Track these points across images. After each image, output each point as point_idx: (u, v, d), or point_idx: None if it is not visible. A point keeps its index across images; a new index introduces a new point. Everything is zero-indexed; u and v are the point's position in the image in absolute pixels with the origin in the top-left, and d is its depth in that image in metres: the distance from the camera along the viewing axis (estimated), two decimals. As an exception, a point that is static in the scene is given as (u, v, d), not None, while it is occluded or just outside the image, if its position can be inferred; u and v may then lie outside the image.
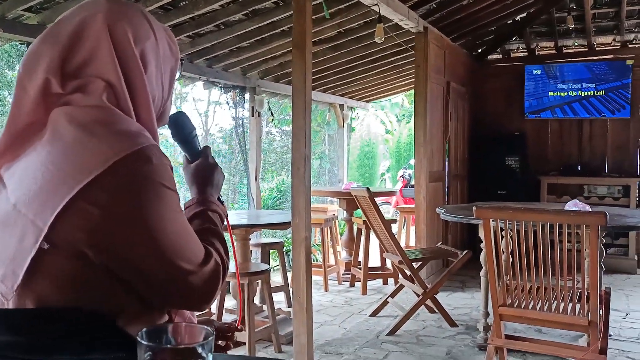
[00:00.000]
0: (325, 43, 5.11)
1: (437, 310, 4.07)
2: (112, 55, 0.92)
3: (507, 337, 2.74)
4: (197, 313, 1.11)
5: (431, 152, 5.13)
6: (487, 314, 3.50)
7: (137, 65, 0.95)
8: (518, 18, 6.21)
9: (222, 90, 5.61)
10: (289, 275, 3.99)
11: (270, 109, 6.50)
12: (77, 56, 0.92)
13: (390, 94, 8.58)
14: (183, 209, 1.09)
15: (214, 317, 3.64)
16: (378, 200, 6.28)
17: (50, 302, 0.84)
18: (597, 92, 6.24)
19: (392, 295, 4.30)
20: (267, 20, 4.25)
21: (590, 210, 3.10)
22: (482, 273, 3.47)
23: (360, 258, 5.17)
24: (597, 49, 6.43)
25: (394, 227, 5.93)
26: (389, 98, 10.78)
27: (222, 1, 3.75)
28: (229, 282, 3.87)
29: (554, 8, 5.91)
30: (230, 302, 4.26)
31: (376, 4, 3.90)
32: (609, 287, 2.91)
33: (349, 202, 5.30)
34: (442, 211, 3.73)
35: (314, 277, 4.34)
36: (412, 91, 5.44)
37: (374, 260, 5.61)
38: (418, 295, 3.99)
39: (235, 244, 4.43)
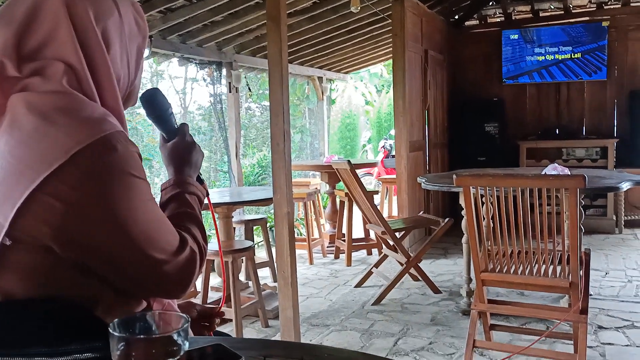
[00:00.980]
0: (300, 14, 5.03)
1: (420, 278, 4.12)
2: (71, 35, 0.87)
3: (490, 301, 2.78)
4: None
5: (411, 122, 5.12)
6: (469, 280, 3.55)
7: (98, 44, 0.90)
8: (494, -18, 6.17)
9: (198, 66, 5.51)
10: (274, 250, 4.00)
11: (248, 84, 6.42)
12: (33, 37, 0.87)
13: (368, 64, 8.52)
14: (160, 190, 1.06)
15: (199, 296, 3.65)
16: (360, 171, 6.29)
17: (18, 297, 0.82)
18: (573, 55, 6.26)
19: (376, 265, 4.34)
20: (240, -7, 4.16)
21: (569, 173, 3.13)
22: (463, 240, 3.51)
23: (344, 230, 5.19)
24: (573, 11, 6.43)
25: (377, 198, 5.96)
26: (368, 68, 10.71)
27: (192, -26, 3.65)
28: (214, 260, 3.86)
29: (529, -29, 5.88)
30: (215, 280, 4.27)
31: (350, -27, 3.83)
32: (589, 249, 2.96)
33: (331, 175, 5.30)
34: (423, 180, 3.74)
35: (298, 251, 4.36)
36: (391, 61, 5.40)
37: (358, 232, 5.64)
38: (402, 264, 4.03)
39: (218, 222, 4.41)
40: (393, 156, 7.72)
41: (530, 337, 3.00)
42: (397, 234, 4.02)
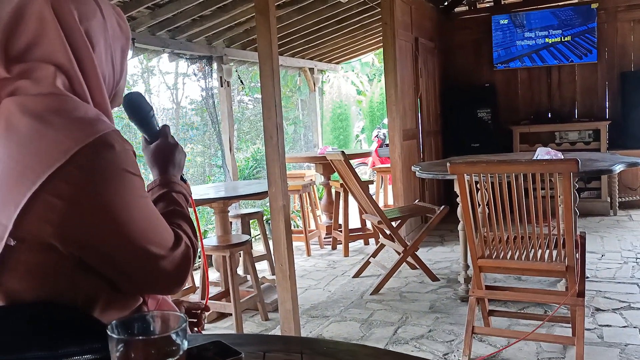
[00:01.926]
0: (289, 6, 5.00)
1: (418, 266, 4.13)
2: (60, 35, 0.88)
3: (488, 287, 2.79)
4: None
5: (404, 110, 5.12)
6: (467, 267, 3.56)
7: (84, 44, 0.90)
8: (482, -32, 6.15)
9: (189, 61, 5.48)
10: (271, 243, 4.00)
11: (239, 78, 6.39)
12: (21, 38, 0.86)
13: (359, 54, 8.49)
14: (147, 190, 1.07)
15: (198, 292, 3.65)
16: (354, 161, 6.30)
17: (21, 298, 0.83)
18: (563, 38, 6.26)
19: (374, 255, 4.35)
20: (228, -14, 4.13)
21: (562, 157, 3.14)
22: (460, 227, 3.52)
23: (341, 221, 5.20)
24: (562, -6, 6.42)
25: (372, 188, 5.97)
26: (359, 58, 10.67)
27: (178, -31, 3.61)
28: (211, 255, 3.86)
29: (517, -45, 5.86)
30: (214, 275, 4.27)
31: (338, -37, 3.81)
32: (584, 232, 2.98)
33: (326, 166, 5.30)
34: (418, 169, 3.75)
35: (296, 243, 4.37)
36: (382, 50, 5.39)
37: (354, 222, 5.65)
38: (399, 253, 4.04)
39: (209, 218, 4.40)
40: (387, 145, 7.73)
41: (528, 321, 3.02)
42: (393, 223, 4.02)
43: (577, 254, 2.63)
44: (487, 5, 6.80)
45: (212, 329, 3.46)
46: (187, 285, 3.86)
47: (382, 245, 4.33)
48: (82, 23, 0.91)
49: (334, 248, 5.42)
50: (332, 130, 12.86)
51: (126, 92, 1.10)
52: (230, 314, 3.38)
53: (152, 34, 4.59)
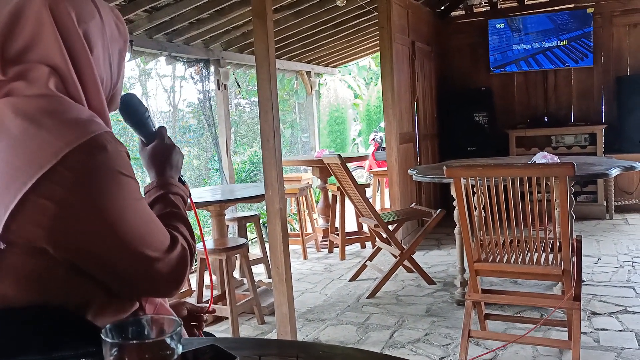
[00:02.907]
0: (286, 9, 5.01)
1: (414, 270, 4.13)
2: (56, 37, 0.87)
3: (484, 291, 2.80)
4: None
5: (400, 114, 5.13)
6: (463, 270, 3.57)
7: (82, 46, 0.90)
8: (479, -28, 6.17)
9: (186, 64, 5.48)
10: (268, 246, 4.00)
11: (236, 81, 6.39)
12: (17, 40, 0.86)
13: (356, 58, 8.50)
14: (143, 194, 1.07)
15: (194, 295, 3.64)
16: (351, 165, 6.30)
17: (14, 302, 0.82)
18: (560, 43, 6.28)
19: (370, 258, 4.35)
20: (225, -10, 4.14)
21: (558, 161, 3.15)
22: (456, 230, 3.52)
23: (337, 224, 5.20)
24: (558, -2, 6.45)
25: (369, 191, 5.97)
26: (356, 62, 10.69)
27: (176, -28, 3.62)
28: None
29: (514, -40, 5.88)
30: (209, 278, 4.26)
31: (335, -34, 3.82)
32: (580, 235, 2.98)
33: (322, 169, 5.30)
34: (414, 172, 3.75)
35: (292, 247, 4.36)
36: (379, 53, 5.40)
37: (351, 225, 5.65)
38: (395, 257, 4.04)
39: (205, 221, 4.39)
40: (384, 148, 7.74)
41: (525, 325, 3.02)
42: (390, 226, 4.02)
43: (573, 258, 2.63)
44: (484, 9, 6.82)
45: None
46: (183, 288, 3.85)
47: (379, 249, 4.33)
48: (80, 25, 0.91)
49: (330, 251, 5.42)
50: (329, 133, 12.87)
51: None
52: (227, 318, 3.37)
53: (150, 37, 4.59)
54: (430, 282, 4.06)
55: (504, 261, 2.64)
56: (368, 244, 5.36)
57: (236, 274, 4.23)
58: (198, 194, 3.89)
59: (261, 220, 4.73)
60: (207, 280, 4.02)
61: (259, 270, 4.62)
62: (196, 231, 1.07)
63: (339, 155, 4.14)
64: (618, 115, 6.12)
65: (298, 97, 9.55)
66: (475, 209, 2.72)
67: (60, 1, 0.89)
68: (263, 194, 3.24)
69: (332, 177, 4.61)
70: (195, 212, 1.23)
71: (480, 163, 3.35)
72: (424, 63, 5.99)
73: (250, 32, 5.09)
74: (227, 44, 5.52)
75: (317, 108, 8.37)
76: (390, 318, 3.46)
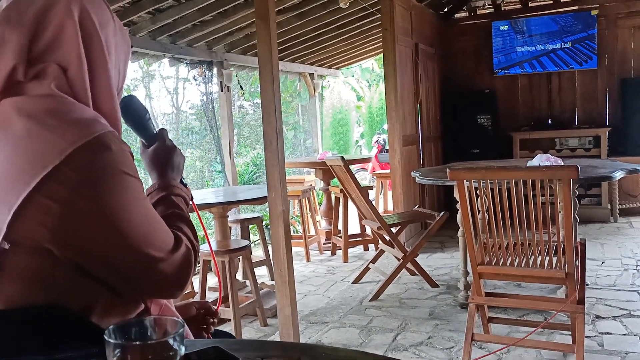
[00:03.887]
0: (289, 11, 5.01)
1: (418, 273, 4.12)
2: (77, 41, 0.89)
3: (488, 294, 2.78)
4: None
5: (403, 116, 5.12)
6: (466, 273, 3.55)
7: (102, 51, 0.92)
8: (483, -26, 6.17)
9: (189, 66, 5.48)
10: (270, 249, 3.99)
11: (239, 83, 6.40)
12: (41, 41, 0.87)
13: (359, 60, 8.51)
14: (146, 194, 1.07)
15: (197, 297, 3.64)
16: (354, 167, 6.30)
17: (18, 302, 0.82)
18: (564, 45, 6.27)
19: (373, 261, 4.34)
20: (229, -9, 4.14)
21: (562, 164, 3.14)
22: (459, 233, 3.51)
23: (340, 226, 5.19)
24: (562, 0, 6.43)
25: (372, 193, 5.97)
26: (359, 64, 10.69)
27: (179, -26, 3.62)
28: (210, 260, 3.85)
29: (517, -38, 5.88)
30: (213, 280, 4.26)
31: (338, -32, 3.82)
32: (584, 238, 2.97)
33: (325, 171, 5.29)
34: (417, 175, 3.74)
35: (295, 249, 4.36)
36: (382, 55, 5.39)
37: (354, 228, 5.64)
38: (398, 259, 4.03)
39: (208, 223, 4.39)
40: (387, 151, 7.73)
41: (528, 328, 3.00)
42: (393, 229, 4.02)
43: (577, 261, 2.62)
44: (488, 11, 6.82)
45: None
46: (187, 290, 3.84)
47: (382, 251, 4.32)
48: (102, 30, 0.93)
49: (333, 254, 5.41)
50: (332, 135, 12.86)
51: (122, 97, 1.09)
52: (229, 320, 3.36)
53: (153, 38, 4.59)
54: (434, 285, 4.05)
55: (508, 264, 2.64)
56: (371, 246, 5.35)
57: (239, 276, 4.23)
58: (201, 196, 3.89)
59: (264, 222, 4.73)
60: (210, 282, 4.02)
61: (261, 273, 4.61)
62: (201, 233, 1.07)
63: (342, 157, 4.14)
64: (622, 118, 6.11)
65: (301, 99, 9.54)
66: (479, 211, 2.71)
67: (84, 6, 0.90)
68: (266, 196, 3.24)
69: (335, 179, 4.61)
70: (198, 214, 1.22)
71: (483, 165, 3.34)
72: (427, 65, 5.99)
73: (254, 34, 5.10)
74: (230, 45, 5.52)
75: (320, 110, 8.36)
76: (393, 321, 3.45)
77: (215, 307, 1.23)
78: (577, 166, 2.38)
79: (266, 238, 4.56)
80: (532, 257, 2.62)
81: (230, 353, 0.81)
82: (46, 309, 0.82)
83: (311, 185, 5.92)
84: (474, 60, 6.77)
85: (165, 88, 11.61)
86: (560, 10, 6.33)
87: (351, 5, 4.58)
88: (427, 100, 5.95)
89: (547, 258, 2.63)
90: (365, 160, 7.25)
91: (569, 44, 6.25)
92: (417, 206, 5.02)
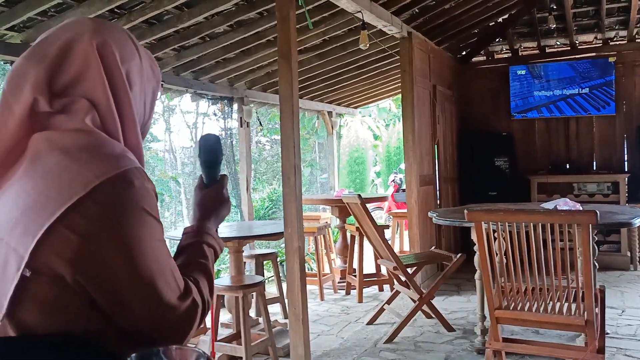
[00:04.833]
0: (310, 51, 5.11)
1: (433, 316, 4.06)
2: (101, 74, 0.91)
3: (505, 339, 2.73)
4: None
5: (421, 156, 5.14)
6: (483, 317, 3.49)
7: (123, 84, 0.94)
8: (500, 20, 6.26)
9: (210, 101, 5.59)
10: (284, 285, 3.97)
11: (258, 119, 6.49)
12: (65, 75, 0.90)
13: (377, 100, 8.60)
14: (181, 234, 1.08)
15: (208, 333, 3.61)
16: (370, 205, 6.28)
17: (36, 330, 0.82)
18: (581, 90, 6.29)
19: (388, 302, 4.28)
20: (252, 31, 4.25)
21: (580, 209, 3.11)
22: (476, 276, 3.47)
23: (355, 265, 5.15)
24: (579, 47, 6.49)
25: (387, 233, 5.93)
26: (377, 103, 10.80)
27: (206, 14, 3.73)
28: (224, 295, 3.83)
29: (535, 9, 5.97)
30: (225, 316, 4.23)
31: (359, 11, 3.91)
32: (604, 285, 2.92)
33: (341, 209, 5.29)
34: (434, 215, 3.73)
35: (309, 287, 4.32)
36: (399, 96, 5.45)
37: (369, 267, 5.59)
38: (414, 301, 3.98)
39: (223, 257, 4.38)
40: (403, 190, 7.72)
41: (546, 376, 2.93)
42: (409, 269, 3.98)
43: (597, 309, 2.57)
44: (505, 55, 6.89)
45: (222, 372, 3.40)
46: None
47: (398, 292, 4.26)
48: (123, 64, 0.95)
49: (347, 293, 5.35)
50: (349, 173, 12.90)
51: (207, 132, 1.13)
52: (241, 358, 3.32)
53: (177, 74, 4.71)
54: (450, 328, 3.98)
55: (526, 309, 2.59)
56: (386, 286, 5.29)
57: (252, 313, 4.19)
58: (217, 230, 3.89)
59: (279, 259, 4.71)
60: (223, 318, 3.99)
61: (274, 310, 4.57)
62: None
63: (359, 195, 4.14)
64: (641, 164, 6.05)
65: (318, 137, 9.63)
66: (497, 254, 2.68)
67: (107, 41, 0.93)
68: (282, 232, 3.24)
69: (351, 217, 4.60)
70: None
71: (502, 208, 3.32)
72: (445, 106, 6.03)
73: (274, 71, 5.20)
74: (251, 82, 5.64)
75: (338, 148, 8.42)
76: (407, 364, 3.38)
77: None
78: (596, 211, 2.36)
79: (280, 275, 4.53)
80: (551, 302, 2.57)
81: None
82: (62, 337, 0.82)
83: (327, 222, 5.91)
84: (492, 103, 6.81)
85: (185, 122, 11.81)
86: (577, 56, 6.38)
87: (371, 46, 4.67)
88: (444, 141, 5.97)
89: (566, 304, 2.58)
90: (382, 199, 7.24)
91: (587, 90, 6.26)
92: (433, 247, 4.98)
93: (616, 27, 6.20)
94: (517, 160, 6.56)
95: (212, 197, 1.11)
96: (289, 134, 3.09)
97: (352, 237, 5.24)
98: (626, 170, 6.20)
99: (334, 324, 4.38)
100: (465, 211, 2.63)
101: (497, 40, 6.71)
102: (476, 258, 3.23)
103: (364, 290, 5.12)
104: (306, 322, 3.05)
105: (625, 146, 6.31)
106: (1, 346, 0.83)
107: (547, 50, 6.65)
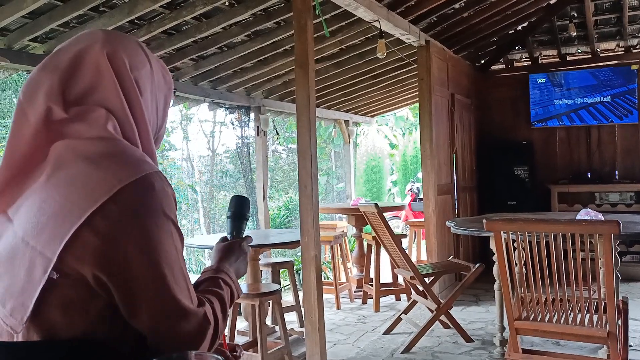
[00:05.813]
0: (327, 60, 5.13)
1: (451, 326, 4.01)
2: (114, 83, 0.94)
3: (525, 351, 2.68)
4: None
5: (438, 165, 5.10)
6: (502, 328, 3.44)
7: (134, 91, 0.96)
8: (520, 28, 6.21)
9: (227, 110, 5.63)
10: (300, 294, 3.95)
11: (275, 128, 6.51)
12: (78, 84, 0.92)
13: (394, 108, 8.58)
14: (200, 272, 1.08)
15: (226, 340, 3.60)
16: (387, 215, 6.25)
17: (57, 332, 0.84)
18: (603, 99, 6.20)
19: (406, 311, 4.25)
20: (269, 41, 4.28)
21: (602, 219, 3.05)
22: (495, 286, 3.42)
23: (372, 274, 5.12)
24: (600, 55, 6.41)
25: (404, 242, 5.89)
26: (394, 112, 10.78)
27: (224, 24, 3.77)
28: (240, 303, 3.83)
29: (555, 16, 5.91)
30: (242, 324, 4.22)
31: (377, 20, 3.91)
32: (627, 297, 2.85)
33: (358, 218, 5.27)
34: (452, 224, 3.69)
35: (325, 296, 4.30)
36: (417, 104, 5.43)
37: (386, 276, 5.56)
38: (432, 311, 3.94)
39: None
40: (421, 199, 7.68)
41: (567, 389, 2.87)
42: (426, 279, 3.94)
43: (619, 320, 2.51)
44: (524, 64, 6.83)
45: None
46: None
47: (415, 302, 4.22)
48: (133, 72, 0.97)
49: (364, 302, 5.32)
50: (365, 182, 12.88)
51: (240, 193, 1.17)
52: (257, 365, 3.31)
53: (195, 84, 4.75)
54: (468, 339, 3.92)
55: (546, 320, 2.54)
56: (403, 296, 5.25)
57: (268, 321, 4.18)
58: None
59: (295, 267, 4.71)
60: (240, 326, 3.99)
61: (291, 319, 4.56)
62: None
63: (376, 204, 4.12)
64: (665, 174, 5.94)
65: (334, 146, 9.64)
66: (516, 264, 2.64)
67: (117, 49, 0.96)
68: (298, 240, 3.24)
69: (368, 226, 4.58)
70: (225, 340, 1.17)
71: (521, 217, 3.28)
72: (463, 115, 5.99)
73: (291, 81, 5.22)
74: (268, 92, 5.66)
75: (354, 156, 8.41)
76: (424, 375, 3.34)
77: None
78: (619, 221, 2.32)
79: (296, 283, 4.52)
80: (572, 314, 2.52)
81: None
82: (83, 341, 0.84)
83: (343, 231, 5.89)
84: (511, 112, 6.74)
85: (202, 131, 11.90)
86: (599, 64, 6.29)
87: (388, 55, 4.66)
88: (462, 150, 5.93)
89: (588, 316, 2.53)
90: (399, 208, 7.19)
91: (609, 98, 6.17)
92: (451, 257, 4.93)
93: (639, 35, 6.11)
94: (537, 169, 6.48)
95: (232, 249, 1.14)
96: (305, 143, 3.10)
97: (369, 246, 5.21)
98: (649, 179, 6.09)
99: (350, 333, 4.35)
100: (485, 221, 2.60)
101: (517, 48, 6.65)
102: (495, 268, 3.19)
103: (381, 299, 5.09)
104: (322, 331, 3.03)
105: (648, 155, 6.20)
106: (24, 351, 0.84)
107: (568, 58, 6.58)
